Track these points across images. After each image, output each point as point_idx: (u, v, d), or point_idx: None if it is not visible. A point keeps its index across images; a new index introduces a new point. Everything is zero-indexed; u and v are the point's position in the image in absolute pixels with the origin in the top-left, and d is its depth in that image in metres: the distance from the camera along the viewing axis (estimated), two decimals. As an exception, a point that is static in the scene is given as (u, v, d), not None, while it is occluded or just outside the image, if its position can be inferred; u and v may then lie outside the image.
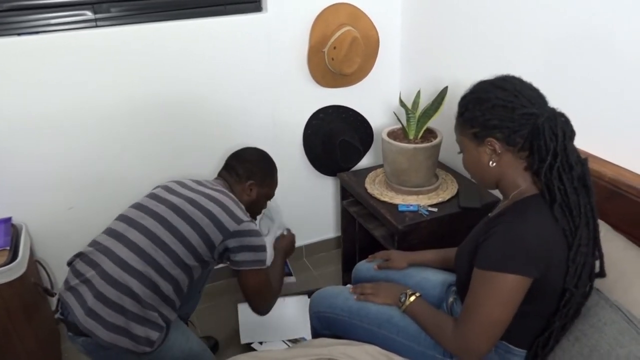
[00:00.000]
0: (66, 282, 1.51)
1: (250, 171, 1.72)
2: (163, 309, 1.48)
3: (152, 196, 1.60)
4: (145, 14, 2.04)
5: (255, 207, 1.79)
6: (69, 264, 1.55)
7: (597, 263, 1.20)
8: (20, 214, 2.04)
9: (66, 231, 2.12)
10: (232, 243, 1.52)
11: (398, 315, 1.42)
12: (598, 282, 1.21)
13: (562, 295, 1.16)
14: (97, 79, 1.97)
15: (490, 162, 1.22)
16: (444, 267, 1.60)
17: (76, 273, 1.49)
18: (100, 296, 1.41)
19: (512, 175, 1.22)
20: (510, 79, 1.21)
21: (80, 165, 2.07)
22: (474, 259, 1.19)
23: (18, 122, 1.92)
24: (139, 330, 1.42)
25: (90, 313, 1.41)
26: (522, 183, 1.21)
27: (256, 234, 1.56)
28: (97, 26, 1.98)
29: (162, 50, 2.03)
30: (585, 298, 1.19)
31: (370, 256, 1.76)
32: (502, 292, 1.12)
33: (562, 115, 1.15)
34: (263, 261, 1.59)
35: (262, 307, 1.69)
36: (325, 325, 1.56)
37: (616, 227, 1.39)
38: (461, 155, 1.32)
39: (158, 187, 1.68)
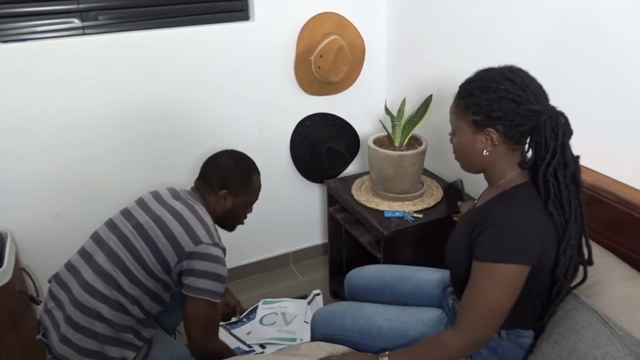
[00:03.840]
0: (44, 303, 1.51)
1: (222, 180, 1.57)
2: (138, 328, 1.47)
3: (125, 212, 1.55)
4: (133, 22, 2.05)
5: (234, 215, 1.65)
6: (49, 282, 1.55)
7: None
8: (5, 221, 2.03)
9: (52, 239, 2.12)
10: (184, 265, 1.42)
11: (412, 329, 1.40)
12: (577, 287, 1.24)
13: (552, 283, 1.20)
14: (84, 86, 1.98)
15: (484, 151, 1.22)
16: None
17: (52, 295, 1.50)
18: (70, 322, 1.41)
19: (502, 165, 1.23)
20: (518, 71, 1.20)
21: (66, 172, 2.07)
22: (470, 252, 1.20)
23: (3, 129, 1.91)
24: (114, 352, 1.42)
25: (63, 339, 1.41)
26: (510, 172, 1.23)
27: (214, 259, 1.43)
28: (84, 34, 1.98)
29: (149, 58, 2.04)
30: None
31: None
32: (505, 281, 1.14)
33: (562, 114, 1.16)
34: (214, 293, 1.43)
35: (198, 346, 1.49)
36: None
37: (595, 231, 1.43)
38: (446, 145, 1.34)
39: (137, 199, 1.62)
